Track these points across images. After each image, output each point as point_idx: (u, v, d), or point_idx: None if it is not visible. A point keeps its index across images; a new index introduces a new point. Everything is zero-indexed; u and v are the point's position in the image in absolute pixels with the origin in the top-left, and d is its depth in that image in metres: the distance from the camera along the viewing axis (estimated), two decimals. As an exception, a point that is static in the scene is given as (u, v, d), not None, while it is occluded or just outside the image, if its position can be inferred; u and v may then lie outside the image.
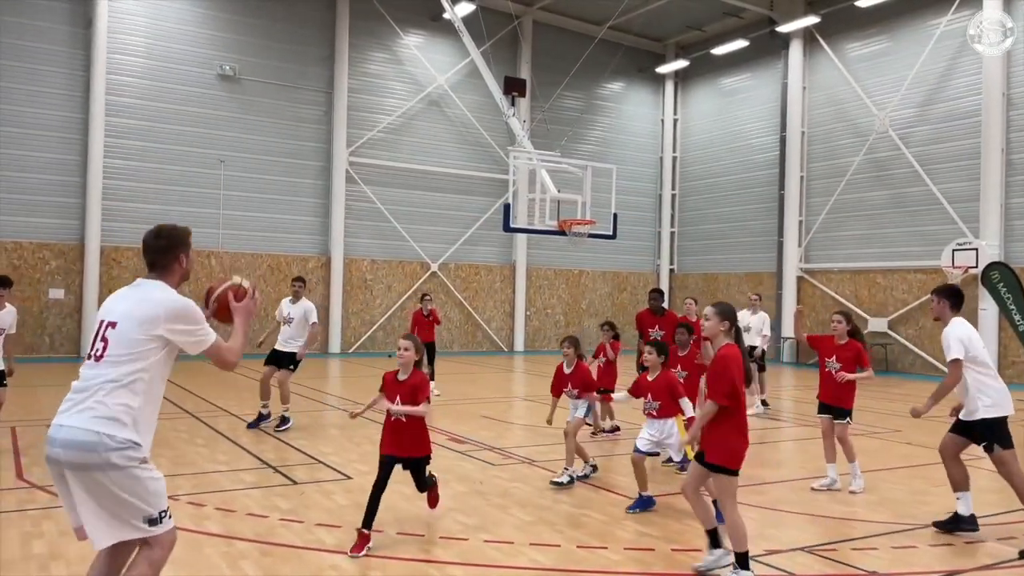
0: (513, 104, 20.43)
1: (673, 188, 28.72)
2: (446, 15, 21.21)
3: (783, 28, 23.39)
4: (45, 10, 19.19)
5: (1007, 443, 5.97)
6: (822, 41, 23.24)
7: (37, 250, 19.16)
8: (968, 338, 6.10)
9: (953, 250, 19.32)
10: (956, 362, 6.05)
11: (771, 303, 24.77)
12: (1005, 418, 6.05)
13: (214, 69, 21.10)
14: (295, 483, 7.31)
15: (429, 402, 5.70)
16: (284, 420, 10.18)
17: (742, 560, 4.93)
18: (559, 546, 5.66)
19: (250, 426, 10.17)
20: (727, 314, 5.04)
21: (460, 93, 24.53)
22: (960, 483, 6.16)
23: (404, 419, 5.58)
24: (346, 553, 5.32)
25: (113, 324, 3.50)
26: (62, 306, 19.45)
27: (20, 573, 4.82)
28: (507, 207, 16.64)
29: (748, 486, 7.65)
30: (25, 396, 12.33)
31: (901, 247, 21.35)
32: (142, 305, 3.55)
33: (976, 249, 18.88)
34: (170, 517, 3.53)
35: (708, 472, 5.06)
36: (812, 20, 22.65)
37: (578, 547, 5.63)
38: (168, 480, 7.13)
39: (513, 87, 20.12)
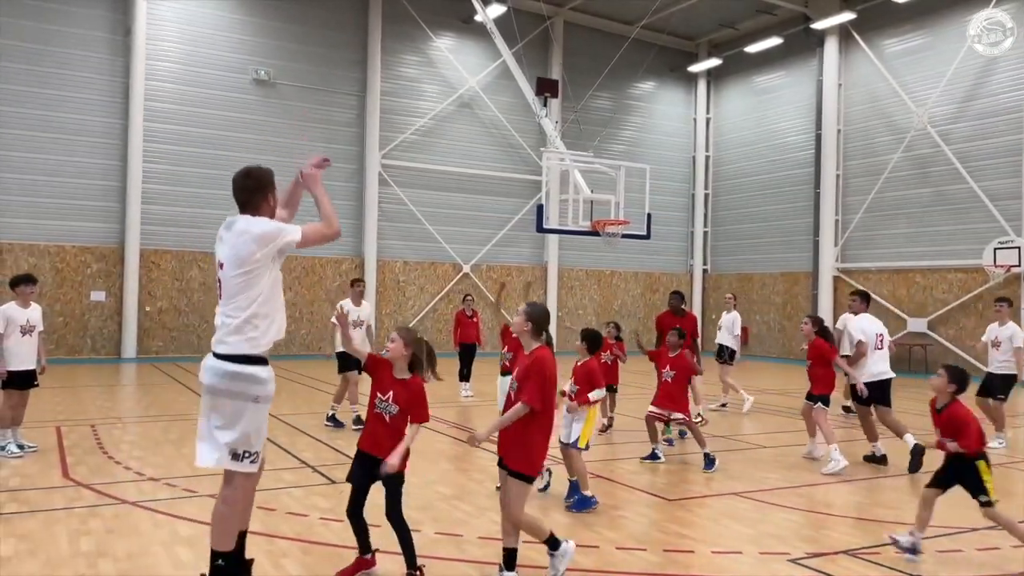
0: (545, 105, 20.40)
1: (706, 187, 28.48)
2: (478, 17, 21.31)
3: (818, 25, 23.10)
4: (85, 19, 19.60)
5: (887, 403, 8.73)
6: (858, 37, 22.89)
7: (79, 253, 19.56)
8: (863, 329, 8.79)
9: (995, 249, 18.94)
10: (860, 343, 8.72)
11: (806, 303, 24.48)
12: (888, 381, 8.74)
13: (249, 74, 21.39)
14: (333, 482, 7.36)
15: (426, 420, 4.97)
16: (335, 419, 10.58)
17: (510, 560, 4.80)
18: (598, 547, 5.63)
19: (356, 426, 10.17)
20: (534, 315, 4.84)
21: (492, 94, 24.58)
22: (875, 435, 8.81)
23: (388, 418, 4.87)
24: (385, 552, 5.35)
25: (221, 265, 4.20)
26: (103, 308, 19.82)
27: (69, 570, 4.91)
28: (540, 208, 16.62)
29: (790, 488, 7.57)
30: (68, 396, 12.60)
31: (941, 246, 20.94)
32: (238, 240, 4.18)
33: (1019, 248, 18.47)
34: (252, 461, 4.20)
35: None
36: (848, 16, 22.33)
37: (617, 548, 5.60)
38: (209, 479, 7.29)
39: (545, 88, 20.09)
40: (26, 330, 8.18)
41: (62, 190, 19.30)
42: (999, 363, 9.90)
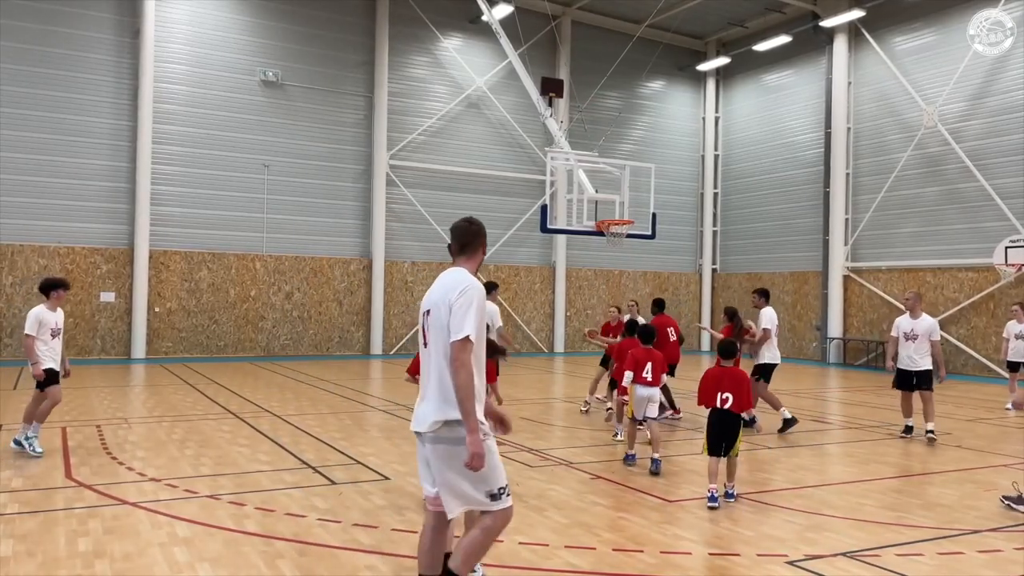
0: (551, 105, 20.38)
1: (715, 187, 28.37)
2: (484, 17, 21.29)
3: (827, 23, 22.96)
4: (94, 21, 19.73)
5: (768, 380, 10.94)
6: (867, 35, 22.74)
7: (89, 255, 19.70)
8: (772, 319, 10.97)
9: (1006, 247, 18.77)
10: (766, 330, 10.89)
11: (816, 302, 24.34)
12: (774, 365, 11.01)
13: (257, 75, 21.47)
14: (334, 483, 7.37)
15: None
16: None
17: None
18: (595, 549, 5.61)
19: None
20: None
21: (499, 95, 24.58)
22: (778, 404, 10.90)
23: None
24: (382, 553, 5.35)
25: (427, 312, 4.03)
26: (112, 309, 19.95)
27: (65, 571, 4.93)
28: (544, 208, 16.61)
29: (790, 489, 7.52)
30: (76, 397, 12.68)
31: (952, 245, 20.76)
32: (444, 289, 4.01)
33: (1031, 246, 18.27)
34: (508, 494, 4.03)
35: None
36: (857, 14, 22.18)
37: (614, 550, 5.57)
38: (211, 479, 7.32)
39: (550, 88, 20.05)
40: (55, 333, 8.41)
41: (71, 192, 19.44)
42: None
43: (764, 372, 10.94)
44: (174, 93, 20.54)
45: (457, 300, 3.88)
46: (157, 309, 20.25)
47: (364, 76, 22.96)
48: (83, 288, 19.58)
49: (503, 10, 21.87)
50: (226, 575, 4.94)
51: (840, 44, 23.44)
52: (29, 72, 18.94)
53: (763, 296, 11.48)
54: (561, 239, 25.25)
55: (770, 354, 10.97)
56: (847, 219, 23.43)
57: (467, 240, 4.22)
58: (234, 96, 21.23)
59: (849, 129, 23.45)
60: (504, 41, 20.05)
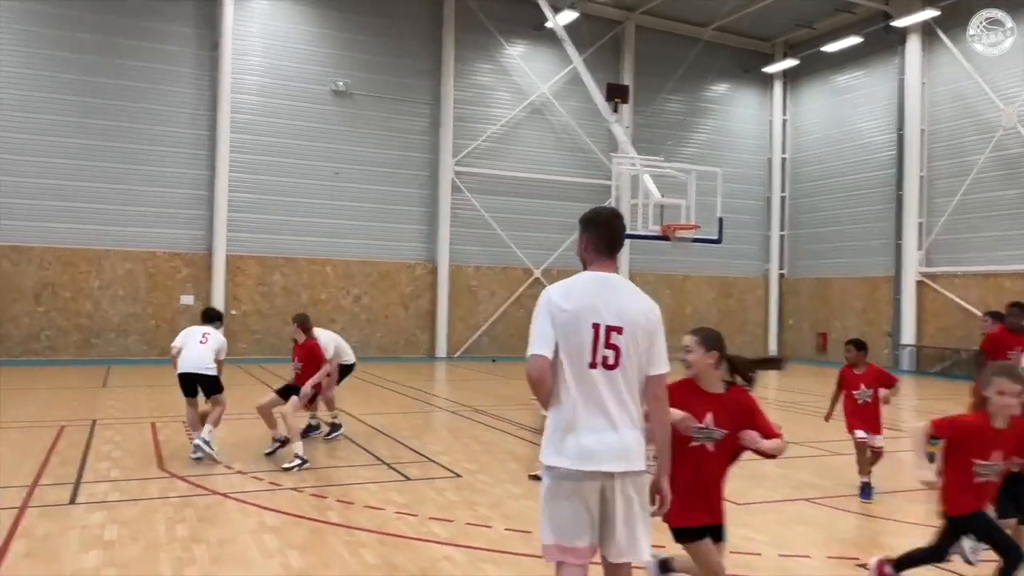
0: (616, 110, 20.44)
1: (783, 190, 27.94)
2: (548, 24, 21.50)
3: (899, 23, 22.44)
4: (175, 36, 20.66)
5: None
6: (941, 34, 22.12)
7: (169, 259, 20.60)
8: None
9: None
10: None
11: (888, 308, 23.75)
12: None
13: (327, 85, 22.12)
14: (408, 479, 7.64)
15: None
16: None
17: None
18: (663, 547, 5.71)
19: None
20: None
21: (562, 100, 24.74)
22: None
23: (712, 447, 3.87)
24: (457, 545, 5.57)
25: (618, 329, 3.27)
26: (192, 311, 20.77)
27: (166, 554, 5.29)
28: (610, 213, 16.67)
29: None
30: (162, 395, 13.33)
31: (1033, 249, 20.05)
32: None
33: (1119, 250, 17.53)
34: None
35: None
36: (930, 14, 21.61)
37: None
38: (293, 474, 7.65)
39: (615, 93, 20.15)
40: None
41: (154, 199, 20.37)
42: None
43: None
44: (250, 103, 21.33)
45: (657, 326, 3.35)
46: (234, 312, 21.02)
47: (430, 84, 23.42)
48: (164, 291, 20.47)
49: (567, 16, 22.05)
50: (315, 561, 5.23)
51: (913, 44, 22.87)
52: (116, 85, 19.94)
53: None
54: (624, 243, 25.20)
55: None
56: (921, 223, 22.81)
57: (618, 239, 3.55)
58: (306, 106, 21.92)
59: (923, 131, 22.84)
60: (569, 48, 20.21)
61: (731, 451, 3.91)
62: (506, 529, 6.03)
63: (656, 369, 3.30)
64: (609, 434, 3.21)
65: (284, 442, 8.53)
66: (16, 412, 11.15)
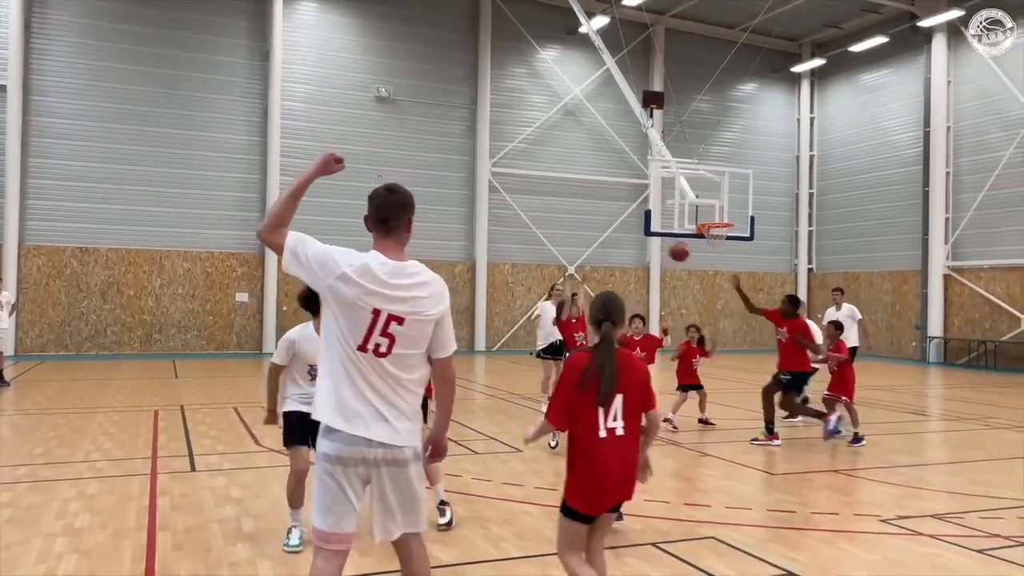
0: (651, 116, 21.24)
1: (810, 187, 28.56)
2: (582, 29, 22.35)
3: (925, 23, 22.99)
4: (228, 47, 21.82)
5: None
6: (967, 34, 22.64)
7: (226, 259, 21.78)
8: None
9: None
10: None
11: (916, 302, 24.32)
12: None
13: (371, 92, 23.18)
14: (477, 453, 8.59)
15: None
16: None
17: None
18: (710, 506, 6.60)
19: None
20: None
21: (594, 102, 25.59)
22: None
23: None
24: (532, 503, 6.50)
25: (399, 319, 3.35)
26: (246, 308, 21.98)
27: (286, 508, 6.27)
28: (647, 213, 17.56)
29: (888, 468, 8.29)
30: (234, 384, 14.43)
31: (1058, 243, 20.56)
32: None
33: None
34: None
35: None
36: (956, 14, 22.13)
37: (726, 508, 6.55)
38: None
39: (651, 100, 20.91)
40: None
41: (212, 201, 21.55)
42: None
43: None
44: (299, 110, 22.44)
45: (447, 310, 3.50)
46: (285, 308, 22.14)
47: (468, 89, 24.39)
48: (221, 289, 21.66)
49: (599, 21, 22.89)
50: (416, 513, 6.19)
51: (939, 43, 23.40)
52: (174, 95, 21.13)
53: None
54: (655, 240, 26.03)
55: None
56: (947, 218, 23.37)
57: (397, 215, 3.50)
58: (351, 111, 22.99)
59: (949, 128, 23.38)
60: (605, 54, 21.04)
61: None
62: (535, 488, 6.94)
63: (446, 352, 3.45)
64: (389, 421, 3.29)
65: None
66: (110, 399, 12.28)
